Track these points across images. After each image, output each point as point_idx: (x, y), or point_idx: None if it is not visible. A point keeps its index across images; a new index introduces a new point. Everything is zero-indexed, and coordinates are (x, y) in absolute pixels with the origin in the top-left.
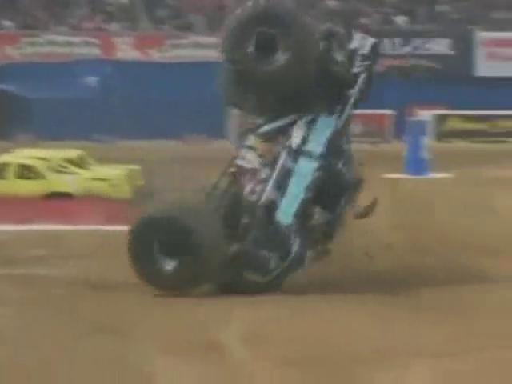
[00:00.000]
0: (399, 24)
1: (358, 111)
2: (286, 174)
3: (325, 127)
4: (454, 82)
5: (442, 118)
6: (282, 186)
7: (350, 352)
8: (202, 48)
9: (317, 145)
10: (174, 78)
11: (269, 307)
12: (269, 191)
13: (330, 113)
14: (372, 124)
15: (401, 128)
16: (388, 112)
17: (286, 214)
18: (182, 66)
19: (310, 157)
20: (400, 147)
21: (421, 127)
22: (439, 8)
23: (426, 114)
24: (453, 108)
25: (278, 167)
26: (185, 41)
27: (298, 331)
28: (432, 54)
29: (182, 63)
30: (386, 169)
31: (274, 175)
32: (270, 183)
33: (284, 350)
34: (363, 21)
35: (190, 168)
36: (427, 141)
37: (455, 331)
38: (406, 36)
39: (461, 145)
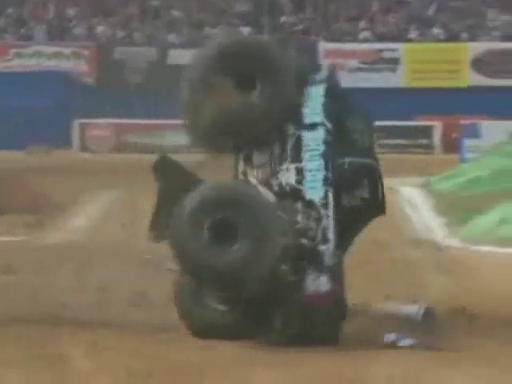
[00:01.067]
0: (244, 35)
1: None
2: None
3: None
4: None
5: None
6: None
7: (196, 364)
8: (45, 57)
9: None
10: (16, 87)
11: (116, 320)
12: None
13: None
14: None
15: None
16: None
17: None
18: (24, 75)
19: None
20: None
21: None
22: (284, 19)
23: None
24: None
25: None
26: (27, 50)
27: (143, 345)
28: None
29: (25, 72)
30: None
31: None
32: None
33: (127, 362)
34: (208, 31)
35: (36, 178)
36: None
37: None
38: None
39: None
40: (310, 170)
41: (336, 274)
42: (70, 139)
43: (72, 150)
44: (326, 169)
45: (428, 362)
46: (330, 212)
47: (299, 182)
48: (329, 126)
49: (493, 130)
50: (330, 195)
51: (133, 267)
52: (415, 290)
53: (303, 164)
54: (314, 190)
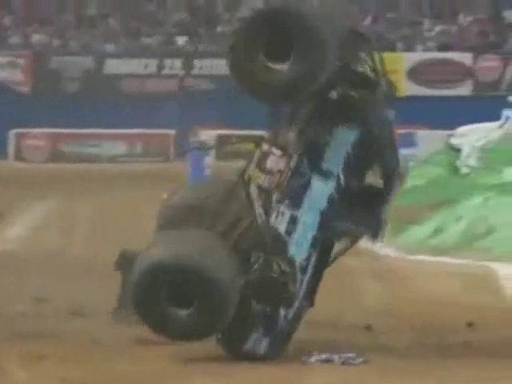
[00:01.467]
0: (180, 44)
1: (140, 130)
2: None
3: None
4: (234, 102)
5: (223, 138)
6: None
7: (134, 374)
8: None
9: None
10: None
11: (53, 330)
12: None
13: None
14: (153, 143)
15: (182, 148)
16: (170, 131)
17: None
18: None
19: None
20: (181, 167)
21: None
22: (220, 29)
23: (207, 134)
24: (232, 128)
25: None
26: None
27: (81, 356)
28: (213, 75)
29: None
30: (167, 188)
31: None
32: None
33: (65, 372)
34: (144, 41)
35: None
36: (209, 160)
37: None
38: (187, 56)
39: (241, 164)
40: (304, 224)
41: (281, 339)
42: (5, 149)
43: (7, 160)
44: (319, 228)
45: (364, 371)
46: (306, 278)
47: (289, 232)
48: (342, 180)
49: (429, 139)
50: (312, 259)
51: (70, 277)
52: (352, 298)
53: (299, 214)
54: (300, 249)
